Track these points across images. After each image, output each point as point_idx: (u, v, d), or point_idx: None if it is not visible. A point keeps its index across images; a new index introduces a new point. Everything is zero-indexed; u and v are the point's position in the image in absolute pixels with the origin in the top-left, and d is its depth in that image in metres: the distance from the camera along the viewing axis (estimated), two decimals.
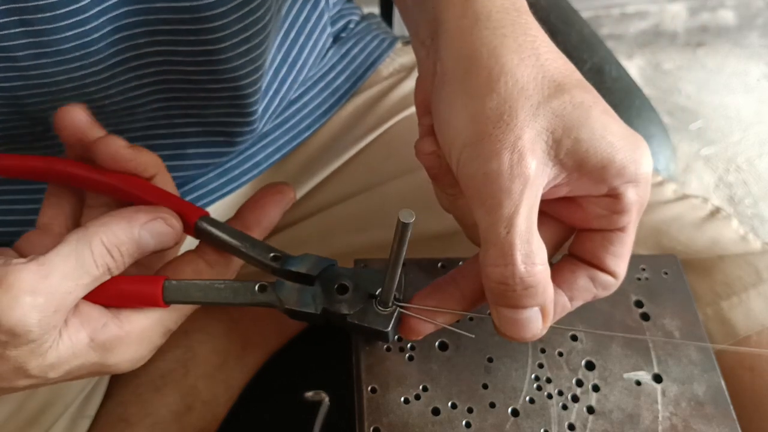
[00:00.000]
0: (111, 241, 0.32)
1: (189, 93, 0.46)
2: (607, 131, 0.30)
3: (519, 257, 0.29)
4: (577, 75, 0.31)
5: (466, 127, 0.30)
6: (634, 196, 0.31)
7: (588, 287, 0.34)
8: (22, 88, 0.40)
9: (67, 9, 0.37)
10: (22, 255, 0.36)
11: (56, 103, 0.42)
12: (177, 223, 0.35)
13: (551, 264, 0.32)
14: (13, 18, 0.36)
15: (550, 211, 0.35)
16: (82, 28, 0.38)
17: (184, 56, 0.43)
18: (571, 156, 0.30)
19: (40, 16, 0.36)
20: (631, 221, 0.33)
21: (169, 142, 0.49)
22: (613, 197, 0.31)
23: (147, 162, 0.37)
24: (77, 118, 0.36)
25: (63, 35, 0.38)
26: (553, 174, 0.30)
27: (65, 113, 0.36)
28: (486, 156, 0.29)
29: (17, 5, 0.36)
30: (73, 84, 0.41)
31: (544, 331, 0.32)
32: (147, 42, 0.41)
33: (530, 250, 0.29)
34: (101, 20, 0.38)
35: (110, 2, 0.38)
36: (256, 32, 0.43)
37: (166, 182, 0.38)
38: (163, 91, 0.46)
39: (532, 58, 0.30)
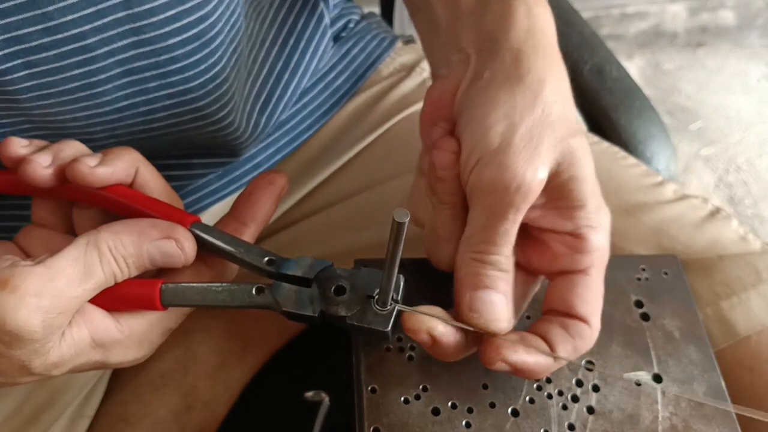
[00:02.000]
0: (119, 252, 0.32)
1: (201, 129, 0.46)
2: (591, 179, 0.34)
3: (504, 250, 0.33)
4: (580, 125, 0.36)
5: (501, 134, 0.33)
6: (596, 241, 0.34)
7: (564, 336, 0.34)
8: (25, 127, 0.40)
9: (73, 46, 0.36)
10: (22, 248, 0.36)
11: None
12: (189, 246, 0.34)
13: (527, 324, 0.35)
14: (17, 62, 0.36)
15: (519, 258, 0.36)
16: (89, 67, 0.38)
17: (196, 92, 0.43)
18: (560, 188, 0.33)
19: (45, 55, 0.36)
20: (594, 266, 0.34)
21: (175, 161, 0.49)
22: (576, 237, 0.34)
23: (124, 168, 0.35)
24: (41, 175, 0.34)
25: (69, 74, 0.37)
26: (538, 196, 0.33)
27: (31, 174, 0.34)
28: (508, 167, 0.32)
29: (21, 46, 0.35)
30: (78, 124, 0.41)
31: (510, 327, 0.34)
32: (158, 86, 0.41)
33: (510, 250, 0.34)
34: (108, 62, 0.38)
35: (118, 44, 0.37)
36: (241, 45, 0.44)
37: (148, 172, 0.37)
38: (174, 132, 0.45)
39: (565, 99, 0.34)
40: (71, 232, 0.38)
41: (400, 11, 0.82)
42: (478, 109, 0.34)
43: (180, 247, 0.34)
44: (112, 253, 0.32)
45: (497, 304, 0.33)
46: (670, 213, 0.49)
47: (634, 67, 1.60)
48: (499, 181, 0.32)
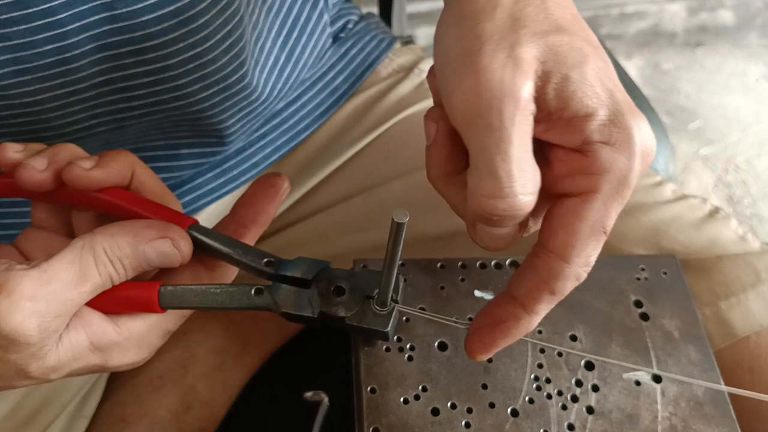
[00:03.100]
0: (115, 253, 0.32)
1: (182, 109, 0.45)
2: (599, 83, 0.28)
3: (517, 188, 0.27)
4: (587, 32, 0.29)
5: (455, 44, 0.28)
6: (606, 159, 0.28)
7: (536, 283, 0.29)
8: (5, 108, 0.40)
9: (43, 21, 0.36)
10: (22, 251, 0.36)
11: (41, 125, 0.41)
12: (185, 245, 0.34)
13: None
14: None
15: None
16: (61, 43, 0.37)
17: (175, 70, 0.42)
18: (557, 93, 0.28)
19: (15, 29, 0.36)
20: (599, 192, 0.28)
21: (162, 152, 0.49)
22: (582, 153, 0.29)
23: (119, 170, 0.35)
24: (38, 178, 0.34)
25: (41, 49, 0.37)
26: (535, 108, 0.28)
27: (27, 178, 0.34)
28: (474, 70, 0.27)
29: None
30: (58, 103, 0.40)
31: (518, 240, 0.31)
32: (134, 62, 0.40)
33: (526, 180, 0.27)
34: (81, 37, 0.37)
35: (90, 19, 0.37)
36: (235, 26, 0.43)
37: (145, 173, 0.37)
38: (155, 111, 0.45)
39: (536, 1, 0.29)
40: (71, 235, 0.38)
41: (399, 12, 0.83)
42: (437, 44, 0.30)
43: (176, 245, 0.33)
44: (107, 255, 0.31)
45: (501, 235, 0.30)
46: (669, 213, 0.49)
47: (633, 66, 1.60)
48: (464, 93, 0.27)
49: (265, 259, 0.35)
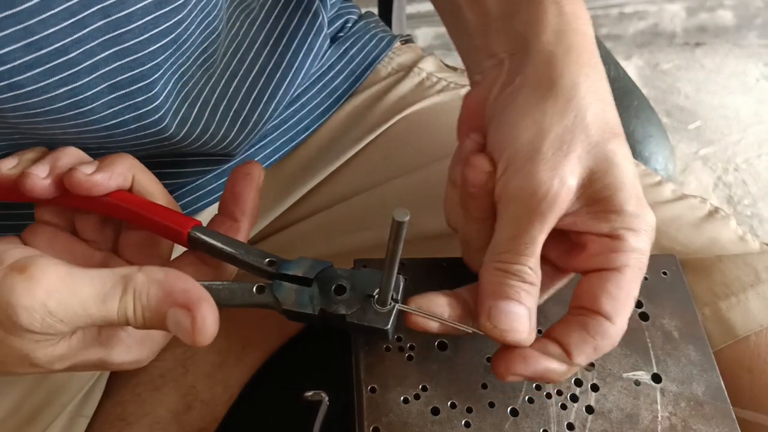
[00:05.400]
0: (141, 301, 0.30)
1: (190, 146, 0.46)
2: (630, 184, 0.33)
3: (530, 261, 0.33)
4: (620, 127, 0.34)
5: (530, 141, 0.32)
6: (634, 243, 0.33)
7: (583, 337, 0.33)
8: (16, 137, 0.40)
9: (56, 62, 0.35)
10: (28, 246, 0.36)
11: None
12: (209, 325, 0.30)
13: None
14: (1, 84, 0.34)
15: (551, 255, 0.36)
16: (74, 85, 0.36)
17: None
18: (595, 195, 0.33)
19: (28, 75, 0.35)
20: (629, 266, 0.33)
21: (169, 159, 0.49)
22: (614, 238, 0.33)
23: (121, 173, 0.35)
24: (42, 188, 0.35)
25: (54, 93, 0.36)
26: (572, 204, 0.33)
27: (30, 187, 0.34)
28: (534, 175, 0.32)
29: (4, 67, 0.34)
30: (69, 137, 0.40)
31: (531, 340, 0.34)
32: (144, 100, 0.40)
33: (537, 261, 0.33)
34: (93, 77, 0.37)
35: (101, 56, 0.36)
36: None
37: (146, 178, 0.37)
38: (166, 145, 0.45)
39: (601, 102, 0.33)
40: (75, 232, 0.38)
41: (398, 11, 0.83)
42: (508, 115, 0.34)
43: (193, 324, 0.30)
44: (134, 297, 0.30)
45: (517, 314, 0.33)
46: (669, 213, 0.49)
47: (633, 66, 1.60)
48: (525, 189, 0.32)
49: (267, 259, 0.36)
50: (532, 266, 0.33)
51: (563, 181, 0.31)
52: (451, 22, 0.42)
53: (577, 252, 0.35)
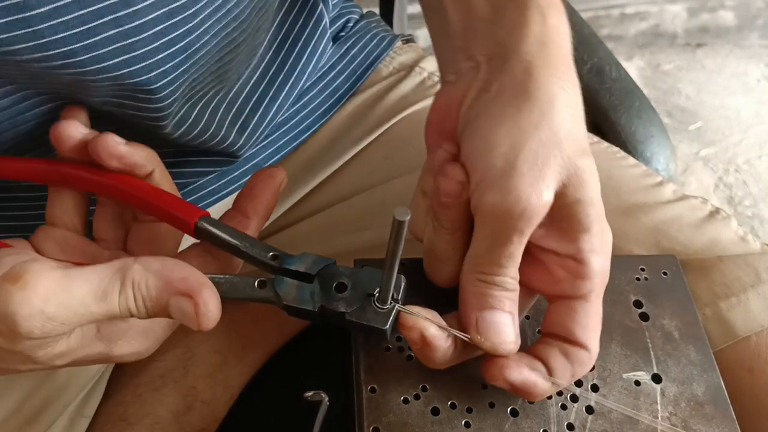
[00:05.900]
0: (141, 292, 0.30)
1: (204, 144, 0.47)
2: (597, 201, 0.33)
3: (510, 271, 0.34)
4: (588, 144, 0.34)
5: (505, 154, 0.32)
6: (597, 266, 0.34)
7: (563, 362, 0.34)
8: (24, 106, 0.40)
9: (62, 62, 0.35)
10: (37, 249, 0.36)
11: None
12: (212, 309, 0.31)
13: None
14: (16, 23, 0.34)
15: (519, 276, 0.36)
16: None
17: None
18: (565, 210, 0.33)
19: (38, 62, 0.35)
20: (594, 292, 0.34)
21: (171, 170, 0.49)
22: (578, 261, 0.33)
23: (143, 157, 0.36)
24: (75, 134, 0.35)
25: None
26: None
27: (62, 132, 0.35)
28: (511, 191, 0.31)
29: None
30: None
31: (517, 347, 0.34)
32: (155, 109, 0.41)
33: (516, 270, 0.34)
34: (99, 77, 0.37)
35: (110, 62, 0.36)
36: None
37: (163, 177, 0.37)
38: (170, 144, 0.45)
39: (576, 118, 0.33)
40: (86, 234, 0.38)
41: (400, 10, 0.83)
42: (483, 124, 0.33)
43: (197, 311, 0.31)
44: (134, 289, 0.30)
45: (504, 324, 0.34)
46: (670, 213, 0.49)
47: (634, 67, 1.60)
48: (503, 205, 0.31)
49: (271, 253, 0.36)
50: (513, 276, 0.34)
51: (540, 196, 0.31)
52: (433, 19, 0.41)
53: (539, 268, 0.35)
